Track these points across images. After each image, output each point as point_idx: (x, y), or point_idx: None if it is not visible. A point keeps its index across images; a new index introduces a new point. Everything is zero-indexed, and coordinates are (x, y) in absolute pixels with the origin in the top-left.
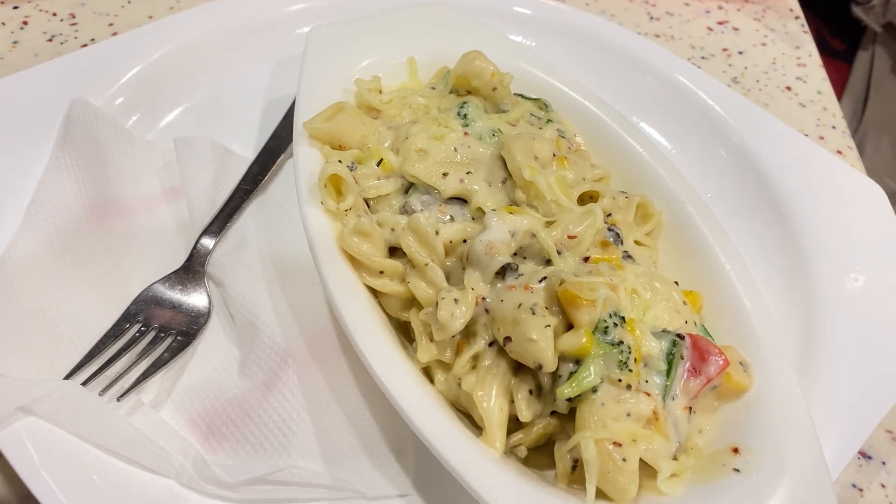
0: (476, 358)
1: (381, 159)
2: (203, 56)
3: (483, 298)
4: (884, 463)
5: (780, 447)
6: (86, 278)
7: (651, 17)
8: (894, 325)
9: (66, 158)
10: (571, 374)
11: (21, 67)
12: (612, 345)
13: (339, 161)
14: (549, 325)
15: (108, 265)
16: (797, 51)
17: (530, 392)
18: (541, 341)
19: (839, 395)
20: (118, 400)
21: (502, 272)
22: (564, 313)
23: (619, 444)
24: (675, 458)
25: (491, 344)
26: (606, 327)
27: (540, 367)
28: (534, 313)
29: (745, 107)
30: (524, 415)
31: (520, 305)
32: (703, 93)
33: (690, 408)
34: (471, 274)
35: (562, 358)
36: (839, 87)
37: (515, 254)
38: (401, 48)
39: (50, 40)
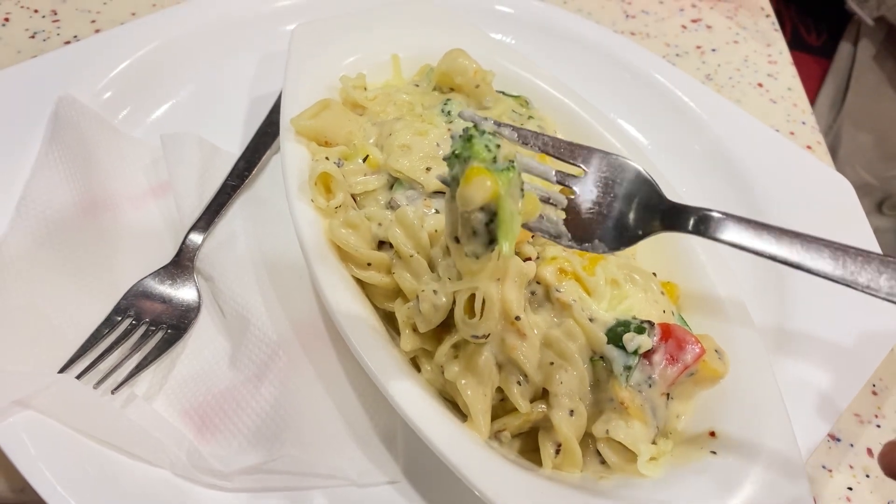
0: (457, 347)
1: (367, 155)
2: (189, 53)
3: None
4: (851, 445)
5: (754, 430)
6: (76, 273)
7: (627, 16)
8: (860, 313)
9: (55, 155)
10: None
11: (3, 64)
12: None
13: (327, 158)
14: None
15: (98, 260)
16: (768, 48)
17: (518, 383)
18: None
19: (810, 381)
20: (112, 393)
21: None
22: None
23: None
24: (654, 443)
25: None
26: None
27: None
28: None
29: (718, 103)
30: (522, 406)
31: None
32: (679, 90)
33: (668, 394)
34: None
35: None
36: (816, 80)
37: None
38: (385, 45)
39: (32, 37)
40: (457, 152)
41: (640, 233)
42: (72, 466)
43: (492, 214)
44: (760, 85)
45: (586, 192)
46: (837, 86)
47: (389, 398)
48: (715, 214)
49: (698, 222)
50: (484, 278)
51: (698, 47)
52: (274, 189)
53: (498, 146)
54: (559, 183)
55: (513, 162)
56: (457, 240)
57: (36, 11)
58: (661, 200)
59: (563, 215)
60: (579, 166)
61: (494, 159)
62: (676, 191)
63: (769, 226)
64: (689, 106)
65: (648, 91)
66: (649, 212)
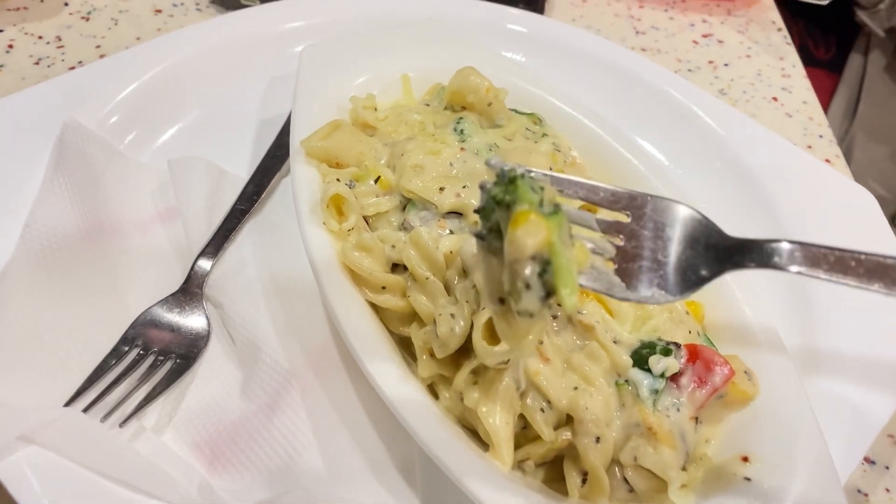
0: (476, 373)
1: (379, 176)
2: (195, 76)
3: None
4: (887, 468)
5: (788, 454)
6: (82, 302)
7: (637, 32)
8: (892, 331)
9: (60, 181)
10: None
11: (8, 91)
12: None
13: (339, 180)
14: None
15: (105, 288)
16: (781, 62)
17: (542, 410)
18: None
19: (842, 403)
20: (120, 426)
21: None
22: None
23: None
24: (683, 469)
25: None
26: None
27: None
28: None
29: (735, 117)
30: (547, 434)
31: None
32: (694, 104)
33: (697, 418)
34: (465, 284)
35: None
36: (826, 94)
37: None
38: (395, 65)
39: (37, 63)
40: (497, 198)
41: (706, 274)
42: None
43: (544, 264)
44: (775, 99)
45: (635, 239)
46: (849, 98)
47: (407, 426)
48: (785, 245)
49: (770, 255)
50: (532, 344)
51: (710, 62)
52: (284, 213)
53: (542, 188)
54: (603, 232)
55: (559, 206)
56: (501, 301)
57: (40, 38)
58: (721, 237)
59: (611, 265)
60: (623, 212)
61: (541, 203)
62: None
63: (847, 250)
64: (705, 121)
65: (663, 107)
66: (711, 251)
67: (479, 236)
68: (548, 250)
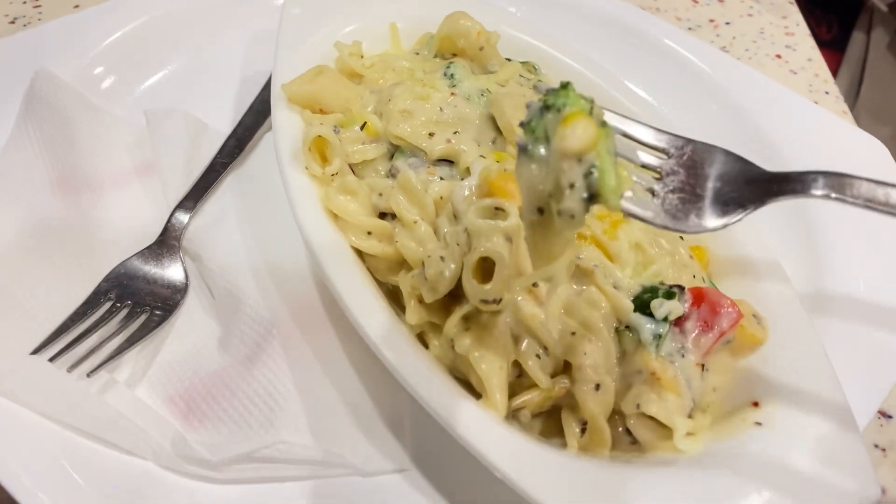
0: (469, 319)
1: (365, 123)
2: (176, 30)
3: None
4: None
5: (801, 398)
6: (54, 255)
7: None
8: None
9: (29, 131)
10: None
11: None
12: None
13: (322, 124)
14: None
15: (77, 241)
16: (784, 20)
17: (537, 356)
18: None
19: (854, 355)
20: (88, 376)
21: None
22: None
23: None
24: (689, 417)
25: None
26: None
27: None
28: None
29: (735, 67)
30: (542, 381)
31: None
32: (691, 54)
33: (703, 365)
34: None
35: None
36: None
37: None
38: (382, 16)
39: (12, 22)
40: (549, 102)
41: (746, 205)
42: (42, 457)
43: (590, 167)
44: (779, 56)
45: (674, 175)
46: (851, 79)
47: (396, 374)
48: (821, 176)
49: (807, 184)
50: (563, 267)
51: (711, 21)
52: (266, 168)
53: (592, 101)
54: (644, 165)
55: (606, 122)
56: (540, 211)
57: None
58: (760, 173)
59: (650, 196)
60: (664, 152)
61: (591, 111)
62: None
63: (875, 180)
64: (702, 69)
65: (659, 55)
66: (751, 185)
67: (521, 147)
68: (594, 151)
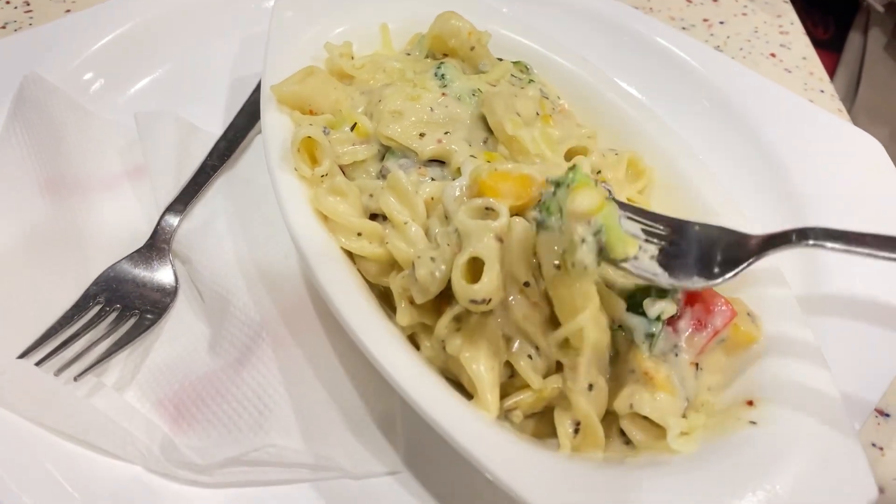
0: (460, 319)
1: (355, 124)
2: (166, 33)
3: None
4: None
5: (796, 396)
6: (43, 259)
7: None
8: None
9: (17, 134)
10: None
11: None
12: None
13: (311, 126)
14: None
15: (67, 245)
16: (779, 19)
17: (529, 357)
18: None
19: (851, 350)
20: (75, 380)
21: None
22: None
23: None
24: (683, 416)
25: None
26: None
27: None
28: None
29: (729, 66)
30: (535, 382)
31: None
32: (686, 54)
33: (697, 364)
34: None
35: None
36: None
37: None
38: (372, 17)
39: (3, 27)
40: (560, 180)
41: (740, 260)
42: (28, 462)
43: (598, 228)
44: (773, 55)
45: (673, 244)
46: (849, 78)
47: (387, 376)
48: (802, 231)
49: (790, 240)
50: (589, 318)
51: (705, 20)
52: (257, 170)
53: (596, 182)
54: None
55: (611, 195)
56: (557, 267)
57: (8, 2)
58: (750, 238)
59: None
60: (661, 228)
61: (595, 184)
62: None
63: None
64: (695, 67)
65: (652, 55)
66: (742, 247)
67: (539, 222)
68: (601, 214)
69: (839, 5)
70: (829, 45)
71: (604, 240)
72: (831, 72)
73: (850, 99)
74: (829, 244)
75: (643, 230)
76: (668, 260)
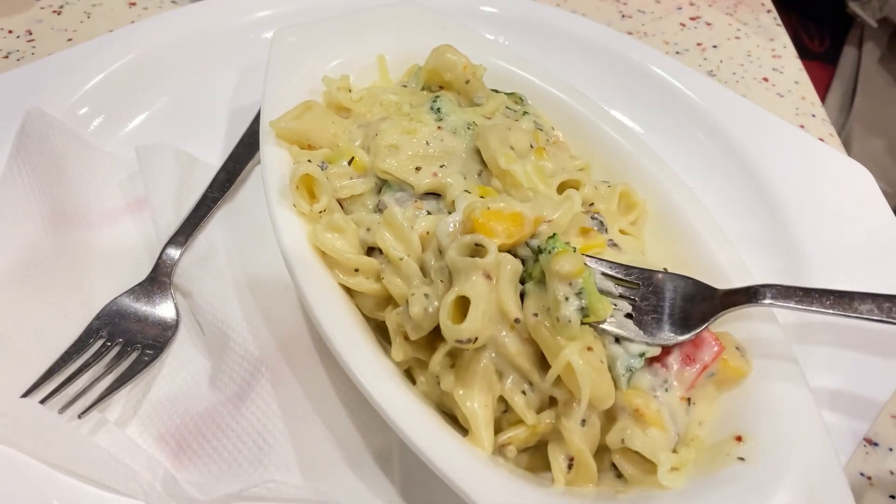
0: (453, 355)
1: (353, 158)
2: (166, 65)
3: None
4: (891, 449)
5: (784, 432)
6: (45, 294)
7: (623, 16)
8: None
9: (20, 169)
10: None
11: None
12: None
13: (310, 161)
14: None
15: (69, 279)
16: (771, 43)
17: (523, 392)
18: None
19: (840, 381)
20: (79, 417)
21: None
22: None
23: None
24: (674, 451)
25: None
26: None
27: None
28: None
29: (721, 94)
30: (528, 417)
31: None
32: (677, 81)
33: (689, 399)
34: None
35: None
36: (822, 87)
37: None
38: (370, 48)
39: (6, 57)
40: (541, 247)
41: (706, 318)
42: (33, 499)
43: (579, 289)
44: (766, 79)
45: (645, 299)
46: (844, 91)
47: (382, 412)
48: (762, 288)
49: (751, 296)
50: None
51: (699, 44)
52: (257, 200)
53: (574, 249)
54: (620, 296)
55: (587, 264)
56: (535, 315)
57: (10, 32)
58: (714, 291)
59: (629, 320)
60: (633, 282)
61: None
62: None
63: (812, 289)
64: (688, 96)
65: (646, 83)
66: (707, 301)
67: (523, 282)
68: (581, 278)
69: (834, 19)
70: (824, 57)
71: (585, 299)
72: (827, 84)
73: (846, 111)
74: (780, 303)
75: (617, 285)
76: (640, 315)
